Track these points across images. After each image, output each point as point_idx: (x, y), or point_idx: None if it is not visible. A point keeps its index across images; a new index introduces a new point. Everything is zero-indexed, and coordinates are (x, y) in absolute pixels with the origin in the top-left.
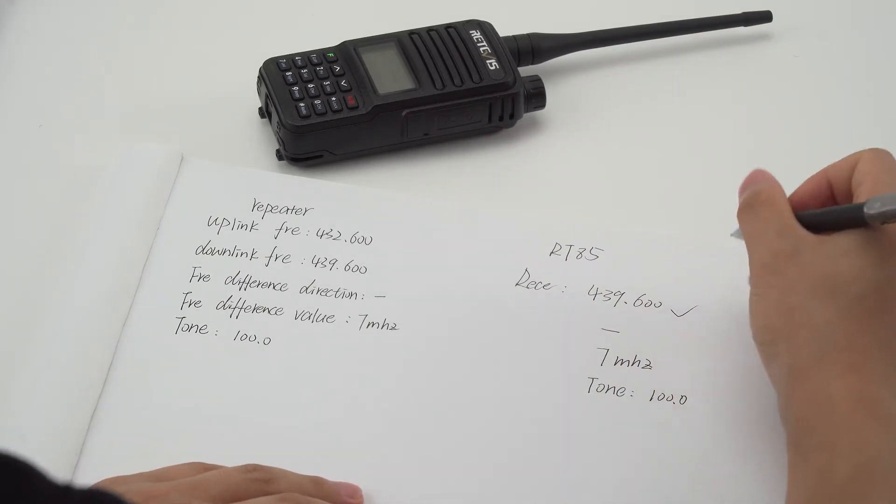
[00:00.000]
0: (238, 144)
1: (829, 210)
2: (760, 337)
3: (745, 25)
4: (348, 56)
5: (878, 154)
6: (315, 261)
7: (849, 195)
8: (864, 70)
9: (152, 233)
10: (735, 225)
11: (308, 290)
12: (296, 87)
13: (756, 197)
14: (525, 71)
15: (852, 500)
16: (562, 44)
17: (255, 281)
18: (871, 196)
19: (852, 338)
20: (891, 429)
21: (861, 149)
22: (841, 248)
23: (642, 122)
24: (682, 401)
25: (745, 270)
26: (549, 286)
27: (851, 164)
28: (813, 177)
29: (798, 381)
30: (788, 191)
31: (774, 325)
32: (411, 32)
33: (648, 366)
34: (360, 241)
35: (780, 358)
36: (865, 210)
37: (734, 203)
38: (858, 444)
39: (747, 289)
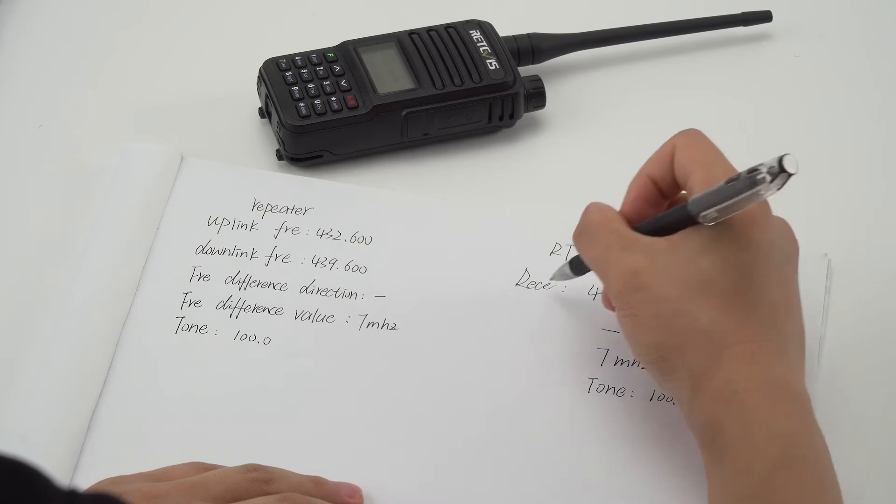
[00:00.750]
0: (238, 144)
1: (660, 217)
2: (650, 356)
3: (745, 25)
4: (348, 56)
5: (691, 137)
6: (315, 261)
7: (675, 187)
8: (865, 70)
9: (152, 233)
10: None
11: (308, 290)
12: (296, 87)
13: (587, 219)
14: (525, 71)
15: (777, 492)
16: (562, 44)
17: (255, 281)
18: (702, 188)
19: (740, 328)
20: (802, 407)
21: (857, 148)
22: (696, 245)
23: (642, 122)
24: None
25: None
26: (549, 286)
27: (668, 156)
28: (634, 180)
29: (701, 385)
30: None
31: (660, 341)
32: (411, 32)
33: None
34: (360, 241)
35: (678, 371)
36: (690, 210)
37: None
38: (774, 436)
39: None
